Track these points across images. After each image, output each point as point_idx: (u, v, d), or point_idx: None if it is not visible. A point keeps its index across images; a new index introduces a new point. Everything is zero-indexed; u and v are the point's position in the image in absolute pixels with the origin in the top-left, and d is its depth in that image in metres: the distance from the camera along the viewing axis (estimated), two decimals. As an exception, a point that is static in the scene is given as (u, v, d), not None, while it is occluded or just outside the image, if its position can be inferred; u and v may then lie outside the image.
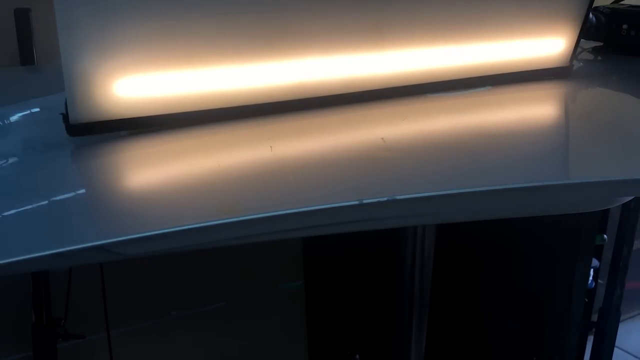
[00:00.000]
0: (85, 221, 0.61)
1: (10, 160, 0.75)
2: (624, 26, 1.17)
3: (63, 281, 1.39)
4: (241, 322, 1.76)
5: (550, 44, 1.01)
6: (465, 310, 1.45)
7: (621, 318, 1.60)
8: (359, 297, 1.55)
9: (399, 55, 0.90)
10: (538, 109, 0.99)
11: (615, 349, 1.64)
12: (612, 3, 1.25)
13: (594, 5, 1.04)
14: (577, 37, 1.02)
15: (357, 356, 1.54)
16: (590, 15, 1.14)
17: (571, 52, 1.03)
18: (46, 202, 0.64)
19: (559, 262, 1.42)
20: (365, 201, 0.61)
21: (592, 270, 1.53)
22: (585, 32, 1.08)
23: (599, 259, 1.58)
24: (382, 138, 0.79)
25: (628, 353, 2.17)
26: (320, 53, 0.84)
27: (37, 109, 0.94)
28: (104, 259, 0.97)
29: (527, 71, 1.01)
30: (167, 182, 0.71)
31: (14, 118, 0.90)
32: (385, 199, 0.61)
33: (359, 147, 0.79)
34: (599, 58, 1.23)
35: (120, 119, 0.77)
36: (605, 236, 1.55)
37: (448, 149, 0.79)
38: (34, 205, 0.63)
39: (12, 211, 0.61)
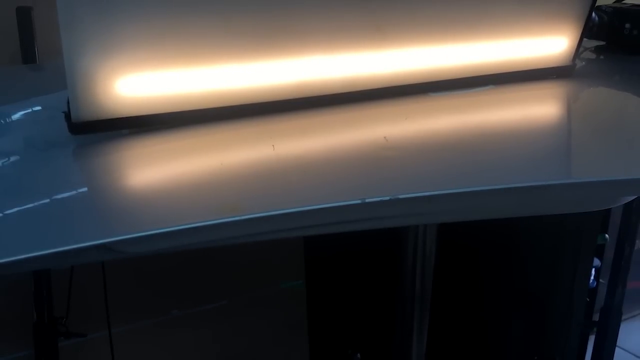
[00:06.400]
0: (87, 220, 0.61)
1: (12, 159, 0.75)
2: (627, 25, 1.17)
3: (64, 279, 1.39)
4: (242, 320, 1.76)
5: (553, 43, 1.01)
6: (466, 310, 1.44)
7: (622, 317, 1.60)
8: (361, 296, 1.55)
9: (401, 54, 0.90)
10: (540, 108, 0.98)
11: (617, 349, 1.64)
12: (614, 2, 1.25)
13: (597, 4, 1.03)
14: (579, 36, 1.01)
15: (358, 355, 1.54)
16: (593, 14, 1.13)
17: (574, 51, 1.03)
18: (48, 200, 0.64)
19: (561, 261, 1.42)
20: (367, 200, 0.61)
21: (593, 269, 1.53)
22: (588, 31, 1.08)
23: (601, 259, 1.58)
24: (385, 137, 0.78)
25: (629, 353, 2.17)
26: (322, 52, 0.84)
27: (39, 108, 0.94)
28: (106, 258, 0.97)
29: (530, 70, 1.01)
30: (169, 180, 0.71)
31: (15, 116, 0.90)
32: (387, 198, 0.61)
33: (361, 146, 0.79)
34: (602, 57, 1.23)
35: (122, 118, 0.77)
36: (606, 235, 1.55)
37: (450, 148, 0.79)
38: (36, 203, 0.63)
39: (14, 210, 0.61)
